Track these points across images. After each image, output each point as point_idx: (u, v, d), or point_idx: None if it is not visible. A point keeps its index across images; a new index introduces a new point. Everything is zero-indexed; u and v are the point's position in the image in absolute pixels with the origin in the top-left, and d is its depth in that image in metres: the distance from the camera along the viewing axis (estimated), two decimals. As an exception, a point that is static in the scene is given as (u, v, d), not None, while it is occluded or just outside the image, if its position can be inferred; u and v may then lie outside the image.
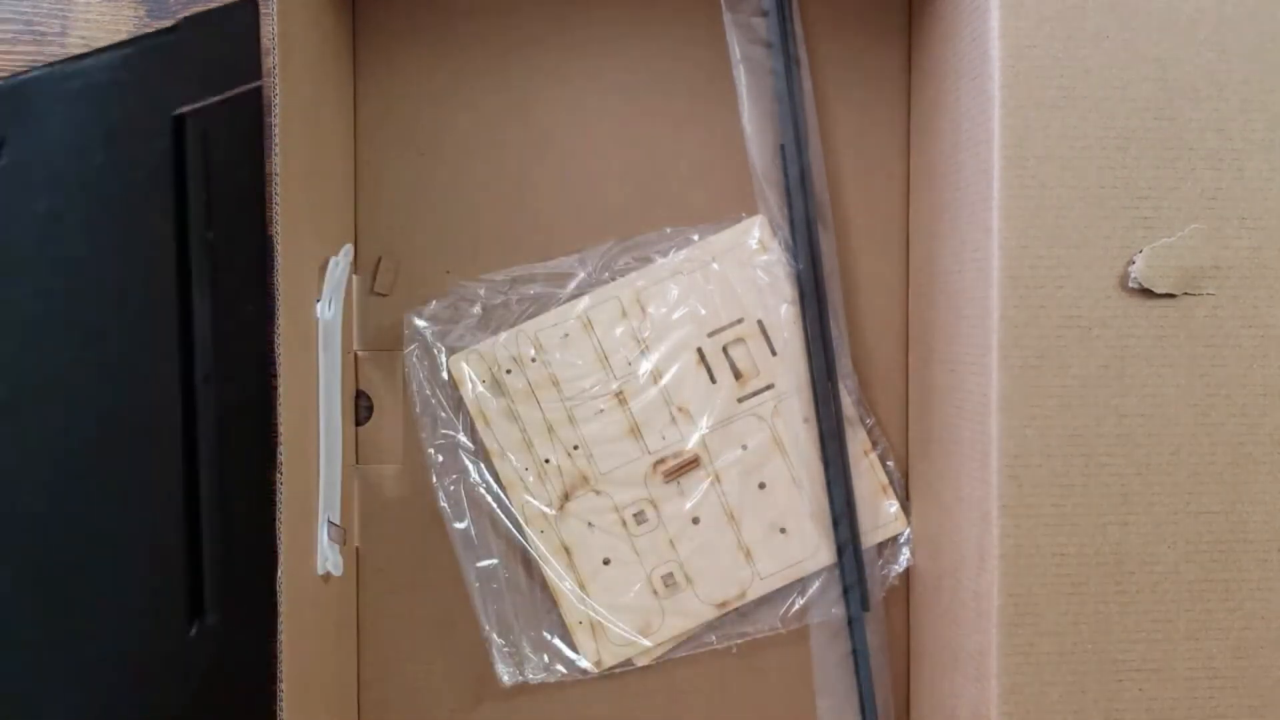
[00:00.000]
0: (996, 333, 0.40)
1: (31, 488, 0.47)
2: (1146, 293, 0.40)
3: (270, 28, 0.40)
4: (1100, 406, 0.40)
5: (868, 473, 0.51)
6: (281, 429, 0.41)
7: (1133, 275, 0.40)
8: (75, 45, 0.51)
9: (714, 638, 0.51)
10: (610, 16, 0.51)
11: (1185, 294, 0.40)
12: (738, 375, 0.51)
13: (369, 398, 0.51)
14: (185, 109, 0.48)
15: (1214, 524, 0.41)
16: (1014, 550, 0.40)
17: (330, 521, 0.45)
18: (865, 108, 0.52)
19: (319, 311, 0.45)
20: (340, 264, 0.46)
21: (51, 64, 0.48)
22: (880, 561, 0.52)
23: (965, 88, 0.43)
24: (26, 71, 0.48)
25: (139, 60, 0.48)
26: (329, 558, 0.45)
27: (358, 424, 0.51)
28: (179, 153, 0.48)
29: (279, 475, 0.41)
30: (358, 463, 0.51)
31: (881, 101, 0.52)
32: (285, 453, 0.41)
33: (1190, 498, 0.41)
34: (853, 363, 0.51)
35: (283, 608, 0.41)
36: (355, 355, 0.51)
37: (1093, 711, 0.40)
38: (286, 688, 0.41)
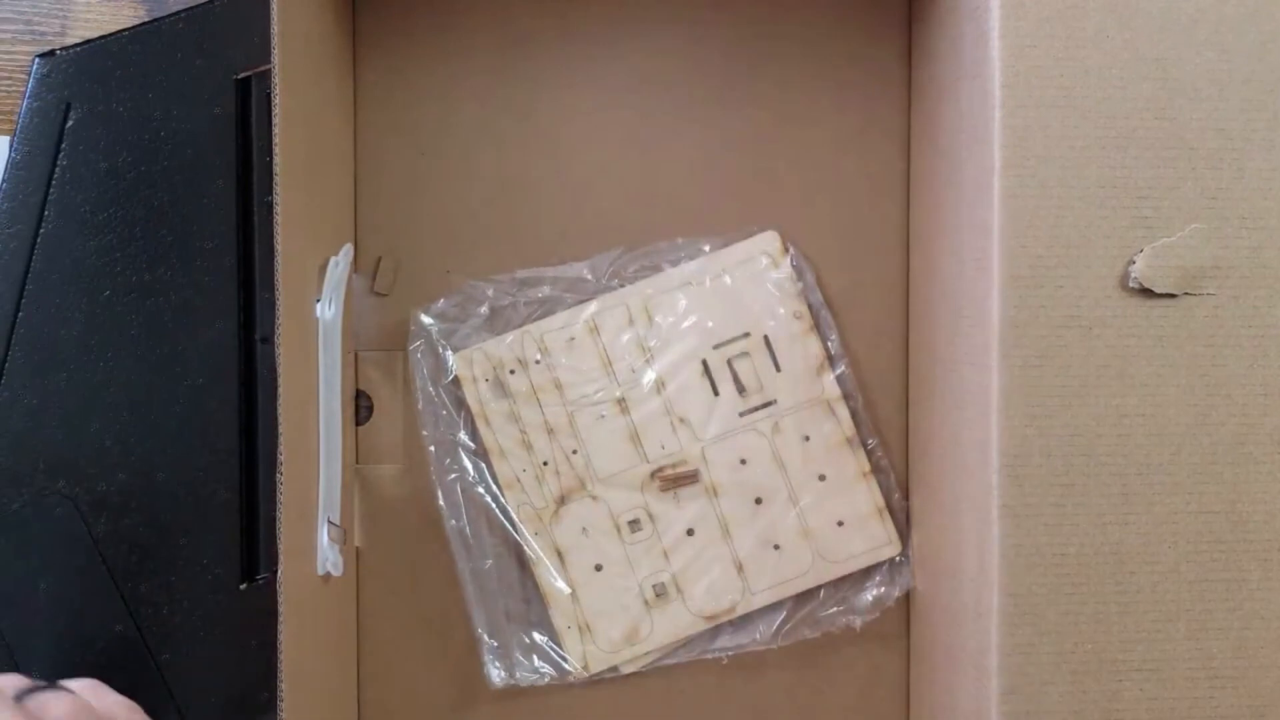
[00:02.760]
0: (996, 333, 0.40)
1: (90, 438, 0.48)
2: (1147, 293, 0.40)
3: (270, 28, 0.40)
4: (1100, 406, 0.40)
5: (865, 495, 0.51)
6: (281, 429, 0.41)
7: (1133, 275, 0.40)
8: (75, 45, 0.51)
9: (702, 648, 0.51)
10: (612, 14, 0.51)
11: (1185, 294, 0.40)
12: (741, 389, 0.50)
13: (369, 398, 0.51)
14: (248, 72, 0.49)
15: (1214, 524, 0.41)
16: (1014, 550, 0.40)
17: (330, 521, 0.45)
18: (865, 108, 0.52)
19: (319, 311, 0.45)
20: (340, 264, 0.46)
21: (118, 30, 0.49)
22: (875, 581, 0.51)
23: (965, 88, 0.43)
24: (96, 39, 0.49)
25: (203, 23, 0.49)
26: (329, 558, 0.45)
27: (358, 424, 0.51)
28: (242, 115, 0.49)
29: (279, 475, 0.41)
30: (358, 463, 0.51)
31: (881, 101, 0.52)
32: (285, 453, 0.41)
33: (1190, 498, 0.41)
34: (852, 366, 0.51)
35: (283, 608, 0.41)
36: (355, 355, 0.51)
37: (1093, 711, 0.40)
38: (286, 688, 0.41)
